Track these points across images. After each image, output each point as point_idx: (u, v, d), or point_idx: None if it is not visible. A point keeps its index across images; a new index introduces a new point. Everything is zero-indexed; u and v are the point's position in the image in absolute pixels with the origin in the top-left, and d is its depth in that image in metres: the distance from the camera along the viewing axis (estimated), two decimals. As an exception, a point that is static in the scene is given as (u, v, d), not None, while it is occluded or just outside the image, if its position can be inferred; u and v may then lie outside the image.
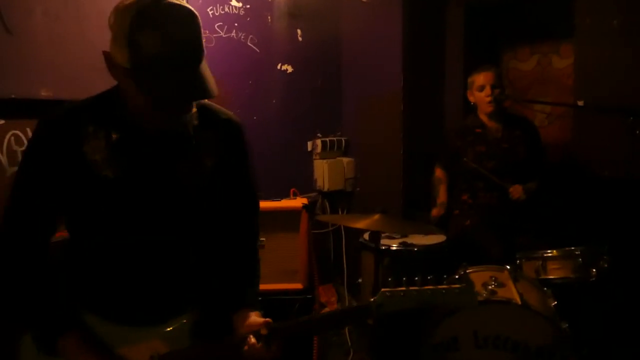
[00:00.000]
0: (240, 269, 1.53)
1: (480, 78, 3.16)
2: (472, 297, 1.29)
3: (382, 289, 1.28)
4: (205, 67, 1.21)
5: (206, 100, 1.38)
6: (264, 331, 1.31)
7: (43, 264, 1.36)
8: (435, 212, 3.28)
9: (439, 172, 3.41)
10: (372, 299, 1.29)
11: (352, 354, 3.43)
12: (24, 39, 2.46)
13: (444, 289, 1.28)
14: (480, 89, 3.15)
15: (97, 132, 1.29)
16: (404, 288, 1.28)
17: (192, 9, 1.20)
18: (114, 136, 1.29)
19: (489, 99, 3.10)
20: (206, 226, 1.44)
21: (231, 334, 1.41)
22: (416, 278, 1.28)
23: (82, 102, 1.36)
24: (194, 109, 1.36)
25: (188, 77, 1.17)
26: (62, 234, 1.46)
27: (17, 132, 2.49)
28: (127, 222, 1.33)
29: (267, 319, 1.36)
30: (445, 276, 1.32)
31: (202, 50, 1.20)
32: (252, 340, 1.30)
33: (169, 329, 1.37)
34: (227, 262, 1.53)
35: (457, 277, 1.29)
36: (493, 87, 3.12)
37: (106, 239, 1.34)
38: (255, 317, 1.40)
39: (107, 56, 1.22)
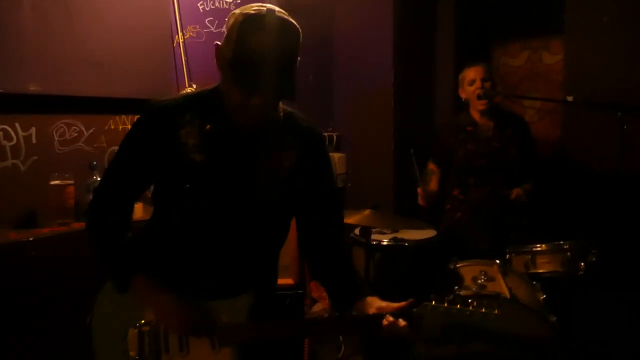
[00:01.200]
0: (340, 265, 1.63)
1: (471, 73, 3.17)
2: (504, 324, 1.33)
3: (425, 302, 1.35)
4: (292, 73, 1.41)
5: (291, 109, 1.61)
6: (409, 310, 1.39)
7: (125, 226, 1.58)
8: (421, 193, 3.17)
9: (432, 166, 3.39)
10: (415, 309, 1.37)
11: (343, 349, 3.44)
12: (12, 33, 2.45)
13: (482, 312, 1.32)
14: (471, 83, 3.15)
15: (193, 120, 1.47)
16: (445, 305, 1.34)
17: (295, 23, 1.42)
18: (207, 127, 1.46)
19: (479, 91, 3.11)
20: (278, 220, 1.59)
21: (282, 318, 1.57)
22: (456, 299, 1.35)
23: (185, 95, 1.58)
24: (281, 114, 1.55)
25: (273, 79, 1.36)
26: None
27: (6, 127, 2.48)
28: (205, 205, 1.48)
29: (409, 300, 1.42)
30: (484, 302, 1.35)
31: (293, 60, 1.41)
32: (391, 318, 1.39)
33: (229, 304, 1.50)
34: (324, 260, 1.64)
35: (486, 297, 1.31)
36: (483, 81, 3.12)
37: (185, 217, 1.50)
38: (379, 301, 1.48)
39: (217, 48, 1.44)
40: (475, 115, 3.21)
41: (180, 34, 3.17)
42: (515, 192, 3.06)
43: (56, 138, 2.65)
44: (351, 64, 4.12)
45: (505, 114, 3.29)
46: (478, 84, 3.12)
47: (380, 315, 1.40)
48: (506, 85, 4.19)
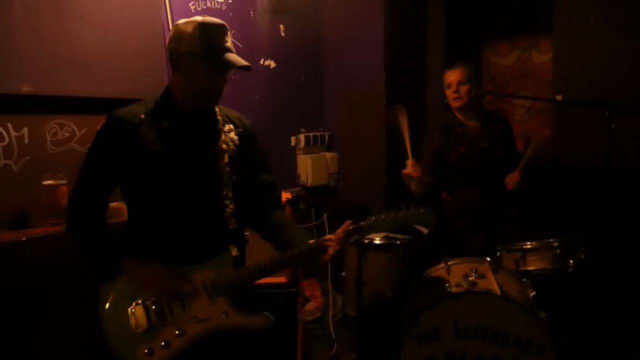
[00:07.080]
0: (283, 220, 2.03)
1: (448, 76, 3.17)
2: (432, 216, 1.79)
3: (369, 216, 1.79)
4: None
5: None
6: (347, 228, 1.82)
7: (103, 221, 1.86)
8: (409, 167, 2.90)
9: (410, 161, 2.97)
10: (362, 222, 1.80)
11: (336, 346, 3.47)
12: (4, 34, 2.44)
13: (412, 212, 1.78)
14: (448, 86, 3.16)
15: (150, 119, 1.77)
16: (384, 215, 1.79)
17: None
18: (164, 123, 1.77)
19: (454, 95, 3.12)
20: (234, 189, 1.87)
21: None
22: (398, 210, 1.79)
23: (140, 102, 1.84)
24: (217, 109, 1.90)
25: (234, 57, 1.74)
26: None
27: (-2, 127, 2.48)
28: (173, 185, 1.78)
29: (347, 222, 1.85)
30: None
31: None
32: (331, 236, 1.82)
33: (215, 263, 1.81)
34: (270, 218, 2.01)
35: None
36: (460, 84, 3.11)
37: (158, 198, 1.78)
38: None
39: (172, 51, 1.76)
40: (460, 115, 3.21)
41: (172, 34, 3.18)
42: (512, 179, 3.03)
43: (49, 138, 2.65)
44: (342, 64, 4.14)
45: (489, 113, 3.32)
46: (453, 87, 3.12)
47: (327, 239, 1.81)
48: (496, 85, 4.22)
